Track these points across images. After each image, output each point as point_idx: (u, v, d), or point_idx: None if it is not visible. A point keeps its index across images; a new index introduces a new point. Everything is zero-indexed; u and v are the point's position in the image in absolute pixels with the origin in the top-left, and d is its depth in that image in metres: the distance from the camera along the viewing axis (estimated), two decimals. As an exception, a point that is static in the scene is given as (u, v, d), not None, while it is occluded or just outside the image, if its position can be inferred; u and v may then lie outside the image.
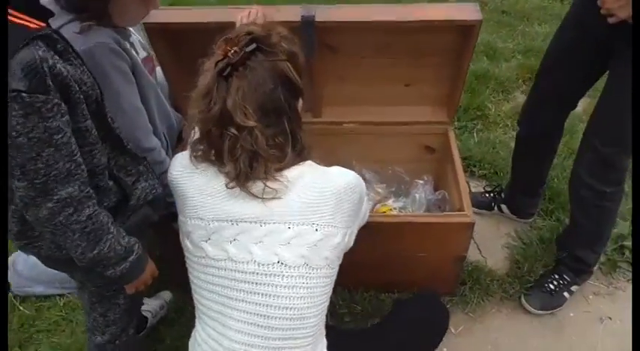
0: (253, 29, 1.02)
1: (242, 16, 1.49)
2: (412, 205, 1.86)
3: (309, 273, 1.04)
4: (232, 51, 0.97)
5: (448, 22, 1.52)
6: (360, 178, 1.11)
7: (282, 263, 1.02)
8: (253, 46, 0.98)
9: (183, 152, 1.13)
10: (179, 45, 1.70)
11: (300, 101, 1.11)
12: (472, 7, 1.52)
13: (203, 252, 1.06)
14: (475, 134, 2.50)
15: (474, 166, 2.33)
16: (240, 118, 0.96)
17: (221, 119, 0.98)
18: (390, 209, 1.85)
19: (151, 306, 1.82)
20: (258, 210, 1.02)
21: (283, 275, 1.02)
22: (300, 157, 1.07)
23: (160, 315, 1.82)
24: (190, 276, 1.15)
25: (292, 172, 1.02)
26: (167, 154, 1.61)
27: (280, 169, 1.02)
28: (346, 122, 1.95)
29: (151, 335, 1.77)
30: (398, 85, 1.84)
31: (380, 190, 2.01)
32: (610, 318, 1.80)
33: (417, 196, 1.85)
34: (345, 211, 1.06)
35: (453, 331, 1.79)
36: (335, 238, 1.04)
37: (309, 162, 1.07)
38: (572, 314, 1.82)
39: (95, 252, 1.04)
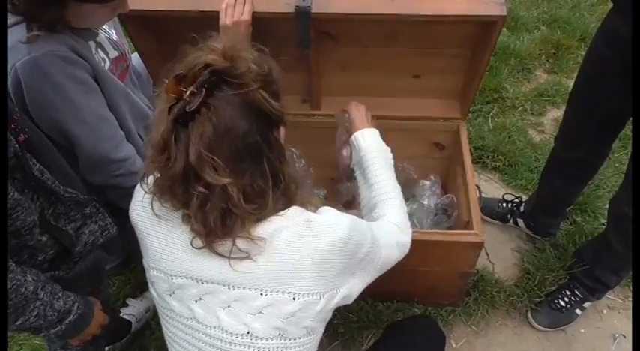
0: (212, 59, 0.79)
1: (227, 3, 1.30)
2: (420, 212, 1.70)
3: (285, 344, 0.88)
4: (188, 92, 0.76)
5: (465, 18, 1.30)
6: (358, 224, 0.92)
7: (252, 334, 0.87)
8: (214, 80, 0.78)
9: (143, 193, 0.93)
10: (158, 33, 1.51)
11: (282, 129, 0.91)
12: None
13: (168, 305, 0.92)
14: (490, 120, 2.30)
15: (487, 158, 2.15)
16: (209, 174, 0.77)
17: (185, 177, 0.79)
18: (394, 216, 1.70)
19: (135, 309, 1.72)
20: (226, 271, 0.85)
21: (253, 347, 0.87)
22: (284, 196, 0.89)
23: (144, 319, 1.73)
24: (161, 322, 1.01)
25: (269, 227, 0.84)
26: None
27: (259, 220, 0.85)
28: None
29: (134, 342, 1.69)
30: (406, 76, 1.64)
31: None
32: (624, 336, 1.68)
33: (424, 203, 1.69)
34: (333, 272, 0.87)
35: (453, 344, 1.69)
36: (317, 306, 0.87)
37: (292, 210, 0.88)
38: (582, 330, 1.71)
39: (18, 323, 0.92)
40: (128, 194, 1.33)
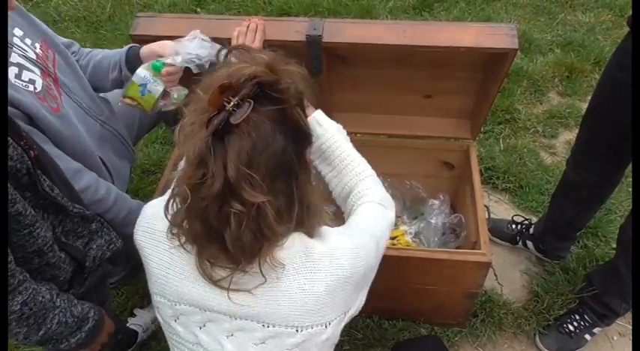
0: (258, 71, 0.74)
1: (239, 31, 1.32)
2: (427, 230, 1.71)
3: None
4: (232, 103, 0.71)
5: (476, 50, 1.31)
6: (362, 246, 0.87)
7: None
8: (257, 92, 0.73)
9: (151, 211, 0.90)
10: None
11: (309, 149, 0.88)
12: (508, 29, 1.30)
13: (174, 330, 0.92)
14: (501, 140, 2.30)
15: (497, 179, 2.14)
16: (246, 191, 0.72)
17: (222, 195, 0.73)
18: (404, 234, 1.70)
19: (142, 319, 1.74)
20: (225, 303, 0.82)
21: None
22: (298, 224, 0.84)
23: (151, 329, 1.74)
24: (168, 344, 0.99)
25: (279, 253, 0.80)
26: (111, 174, 1.44)
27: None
28: (359, 133, 1.79)
29: (140, 353, 1.70)
30: (417, 95, 1.66)
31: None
32: (634, 364, 1.65)
33: (432, 221, 1.69)
34: (338, 301, 0.84)
35: (459, 366, 1.67)
36: (323, 335, 0.85)
37: (294, 236, 0.83)
38: (592, 356, 1.68)
39: (41, 333, 0.94)
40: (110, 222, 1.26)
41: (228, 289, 0.80)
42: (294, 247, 0.82)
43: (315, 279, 0.81)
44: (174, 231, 0.82)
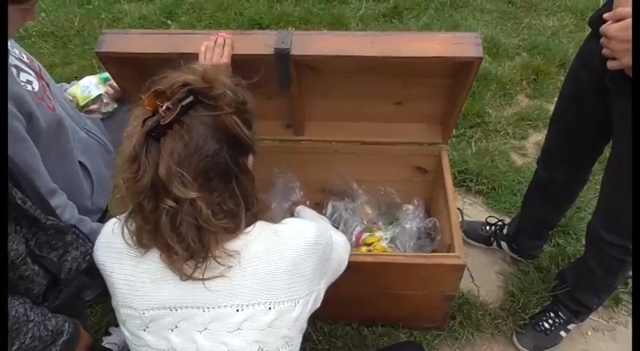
0: (191, 79, 0.83)
1: (206, 46, 1.31)
2: (403, 235, 1.72)
3: None
4: (164, 107, 0.79)
5: (443, 59, 1.33)
6: (323, 226, 0.97)
7: None
8: (190, 99, 0.81)
9: (110, 228, 0.94)
10: (140, 70, 1.51)
11: (251, 158, 0.94)
12: (473, 38, 1.32)
13: (142, 341, 0.91)
14: (473, 144, 2.34)
15: (471, 181, 2.18)
16: (177, 188, 0.79)
17: (154, 190, 0.81)
18: (379, 240, 1.71)
19: (117, 338, 1.70)
20: (199, 293, 0.86)
21: None
22: (253, 217, 0.91)
23: (127, 348, 1.71)
24: None
25: (237, 242, 0.87)
26: (93, 181, 1.45)
27: (231, 238, 0.87)
28: (332, 141, 1.80)
29: (116, 372, 1.66)
30: (388, 102, 1.67)
31: (369, 212, 1.88)
32: (609, 358, 1.69)
33: (407, 226, 1.71)
34: (306, 276, 0.90)
35: (440, 369, 1.68)
36: (293, 313, 0.89)
37: (258, 224, 0.90)
38: (567, 353, 1.71)
39: (15, 348, 0.92)
40: None
41: (202, 279, 0.84)
42: (262, 230, 0.89)
43: (283, 250, 0.88)
44: (133, 237, 0.87)
